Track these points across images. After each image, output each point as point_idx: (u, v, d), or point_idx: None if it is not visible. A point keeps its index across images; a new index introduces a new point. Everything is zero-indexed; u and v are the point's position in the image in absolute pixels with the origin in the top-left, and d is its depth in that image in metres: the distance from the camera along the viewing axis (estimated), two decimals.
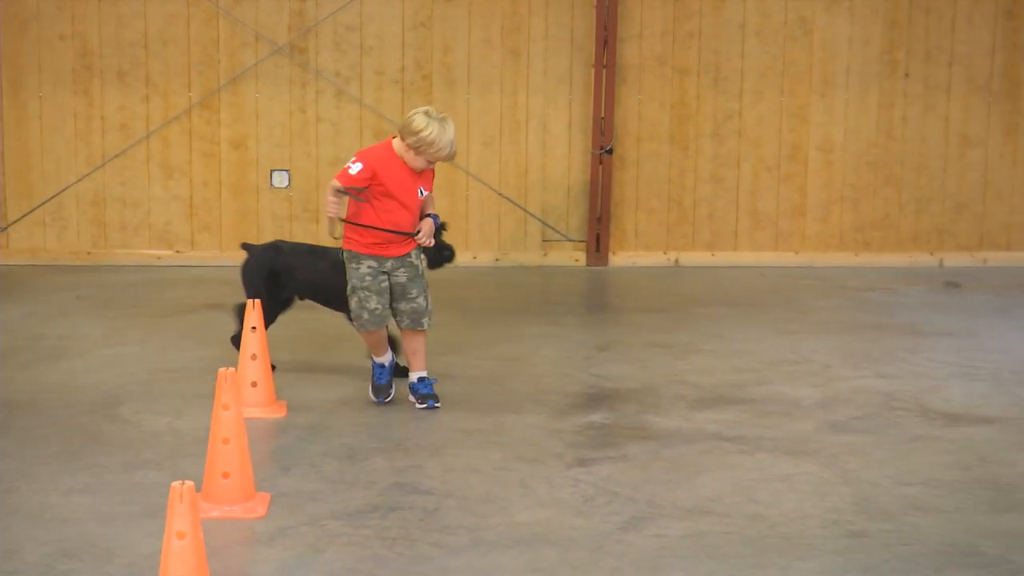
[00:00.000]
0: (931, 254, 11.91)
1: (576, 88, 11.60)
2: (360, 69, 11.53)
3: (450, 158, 7.05)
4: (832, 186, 11.79)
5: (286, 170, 11.52)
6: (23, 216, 11.42)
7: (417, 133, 6.81)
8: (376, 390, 7.32)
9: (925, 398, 7.52)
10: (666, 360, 8.39)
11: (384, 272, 7.05)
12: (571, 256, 11.68)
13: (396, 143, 6.96)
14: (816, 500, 5.86)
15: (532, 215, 11.65)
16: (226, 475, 5.58)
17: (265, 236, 11.46)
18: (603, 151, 11.50)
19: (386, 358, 7.31)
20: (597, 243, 11.60)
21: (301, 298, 7.91)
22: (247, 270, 7.88)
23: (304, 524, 5.49)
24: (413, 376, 7.27)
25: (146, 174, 11.49)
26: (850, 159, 11.78)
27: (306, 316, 9.44)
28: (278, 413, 7.05)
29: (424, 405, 7.19)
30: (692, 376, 7.99)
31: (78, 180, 11.40)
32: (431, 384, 7.27)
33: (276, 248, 7.99)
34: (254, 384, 6.97)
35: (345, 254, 7.12)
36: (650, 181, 11.67)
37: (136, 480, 6.01)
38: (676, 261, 11.70)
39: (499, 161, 11.63)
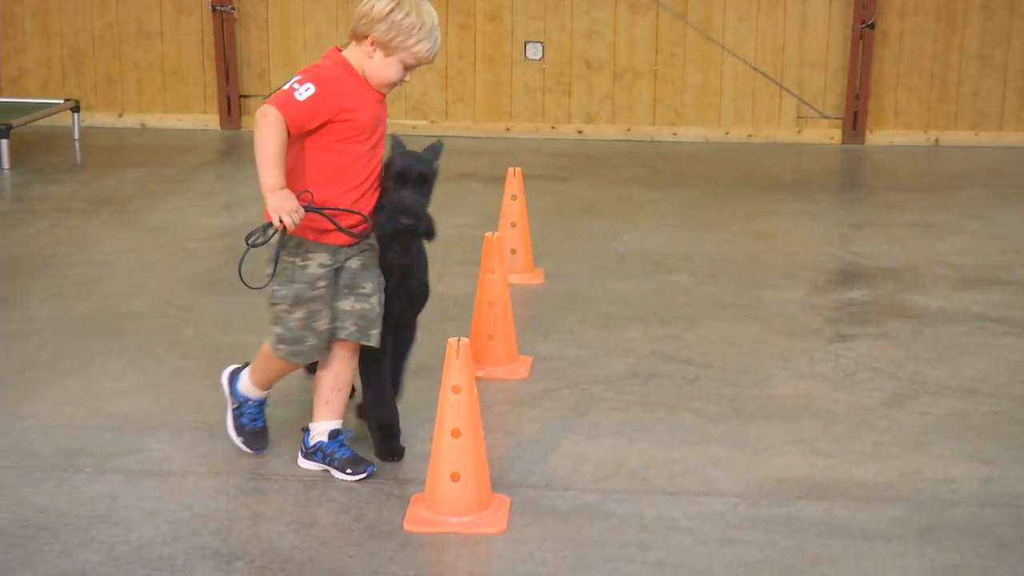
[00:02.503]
0: None
1: None
2: None
3: (431, 59, 4.54)
4: None
5: (540, 42, 11.53)
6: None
7: (386, 16, 4.43)
8: (249, 435, 4.87)
9: None
10: (926, 240, 8.17)
11: (337, 268, 4.62)
12: (826, 134, 11.42)
13: (350, 53, 4.56)
14: None
15: (788, 91, 11.41)
16: (491, 337, 5.70)
17: (518, 109, 11.54)
18: (864, 25, 11.14)
19: (267, 393, 4.91)
20: (854, 121, 11.30)
21: None
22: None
23: (565, 387, 5.58)
24: (321, 428, 4.72)
25: None
26: None
27: (560, 187, 9.51)
28: (536, 280, 7.14)
29: (360, 476, 4.65)
30: (954, 256, 7.77)
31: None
32: (342, 441, 4.72)
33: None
34: (513, 251, 7.07)
35: (279, 244, 4.52)
36: (912, 57, 11.27)
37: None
38: (936, 141, 11.32)
39: (755, 36, 11.39)
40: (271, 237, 4.47)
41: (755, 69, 11.40)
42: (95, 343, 6.13)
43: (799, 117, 11.44)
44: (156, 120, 11.79)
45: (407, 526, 4.31)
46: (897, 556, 4.17)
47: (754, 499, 4.55)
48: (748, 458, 4.90)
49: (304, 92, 4.36)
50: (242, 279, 4.47)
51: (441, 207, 8.90)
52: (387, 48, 4.47)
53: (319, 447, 4.70)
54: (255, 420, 4.85)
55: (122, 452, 4.91)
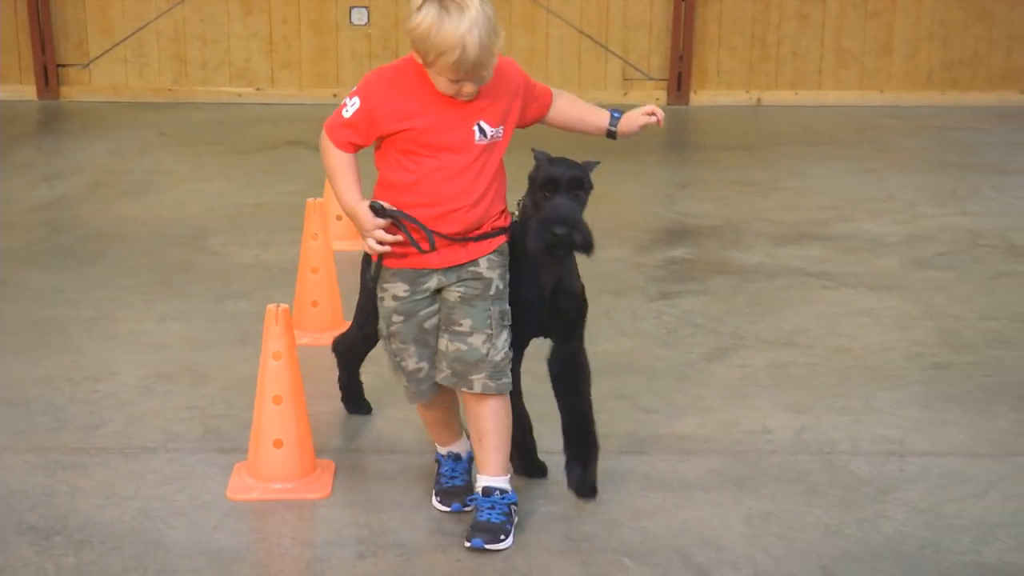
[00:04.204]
0: (1022, 93, 11.65)
1: None
2: None
3: (477, 67, 3.72)
4: (921, 23, 11.51)
5: (365, 7, 11.44)
6: (104, 53, 11.45)
7: (412, 30, 3.73)
8: (443, 494, 4.28)
9: (1011, 235, 7.43)
10: (748, 197, 8.35)
11: (427, 297, 4.01)
12: (652, 95, 11.56)
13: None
14: (900, 333, 5.87)
15: (613, 53, 11.52)
16: (315, 303, 5.67)
17: (344, 75, 11.44)
18: None
19: (459, 445, 4.35)
20: (679, 82, 11.46)
21: None
22: None
23: None
24: (480, 482, 4.12)
25: (225, 10, 11.45)
26: None
27: None
28: (363, 245, 7.11)
29: (496, 545, 3.99)
30: (774, 213, 7.95)
31: (158, 16, 11.40)
32: (507, 503, 4.07)
33: None
34: (339, 217, 7.03)
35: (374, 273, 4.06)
36: (733, 18, 11.45)
37: (227, 309, 6.13)
38: (758, 100, 11.54)
39: None
40: (377, 269, 4.00)
41: (581, 32, 11.48)
42: None
43: (625, 79, 11.57)
44: None
45: (230, 494, 4.28)
46: (715, 505, 4.28)
47: None
48: None
49: (351, 107, 3.86)
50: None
51: (267, 175, 8.88)
52: (424, 61, 3.78)
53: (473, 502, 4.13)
54: (447, 479, 4.27)
55: None
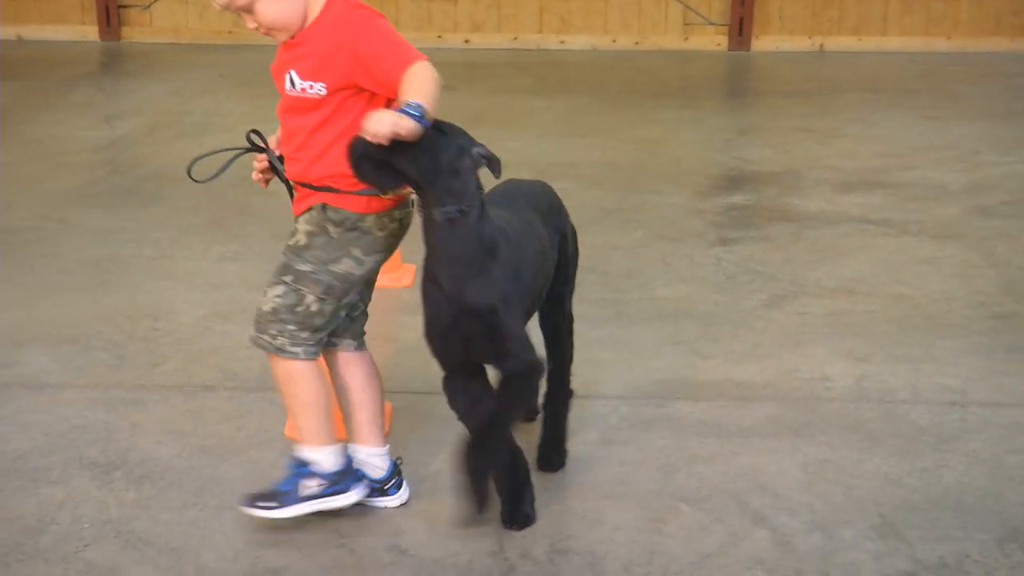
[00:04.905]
0: None
1: None
2: None
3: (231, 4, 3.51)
4: None
5: None
6: None
7: None
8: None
9: None
10: (808, 144, 8.25)
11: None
12: (712, 40, 11.44)
13: None
14: (962, 282, 5.80)
15: None
16: None
17: (404, 17, 11.39)
18: None
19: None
20: (740, 27, 11.33)
21: None
22: None
23: None
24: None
25: None
26: None
27: (446, 97, 9.45)
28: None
29: (257, 511, 3.76)
30: (835, 160, 7.86)
31: None
32: (299, 474, 3.80)
33: None
34: None
35: None
36: None
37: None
38: (821, 46, 11.40)
39: None
40: None
41: None
42: None
43: (685, 24, 11.45)
44: (33, 32, 11.48)
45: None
46: (772, 452, 4.25)
47: (634, 400, 4.61)
48: (628, 360, 4.95)
49: None
50: None
51: None
52: None
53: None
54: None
55: None
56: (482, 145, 3.50)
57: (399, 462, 3.96)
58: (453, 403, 3.74)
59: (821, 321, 5.37)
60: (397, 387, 4.63)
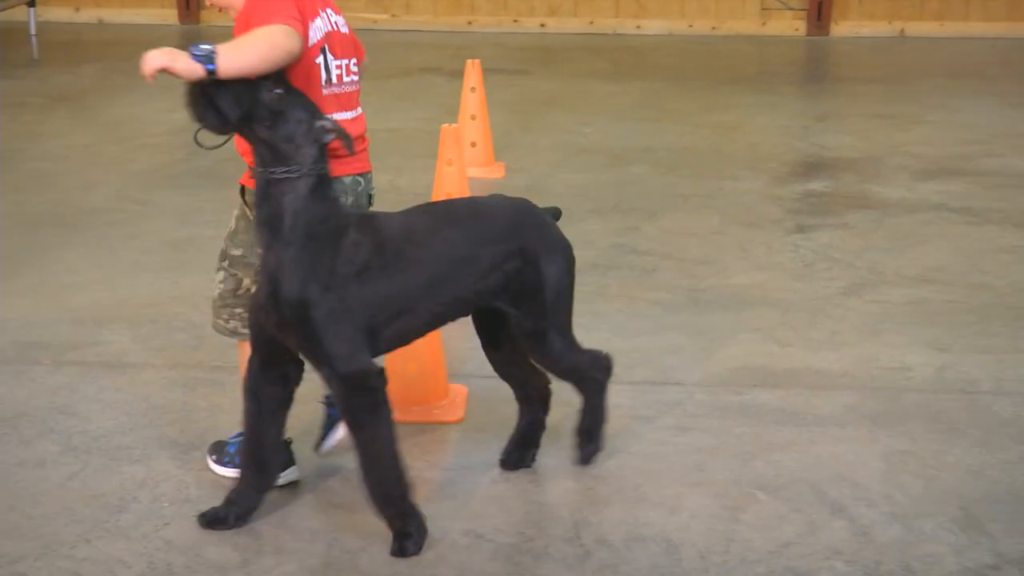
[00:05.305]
0: None
1: None
2: None
3: None
4: None
5: None
6: None
7: None
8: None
9: None
10: (888, 131, 8.16)
11: None
12: (791, 25, 11.34)
13: None
14: None
15: None
16: None
17: (480, 1, 11.38)
18: None
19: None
20: (819, 12, 11.22)
21: None
22: None
23: None
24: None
25: None
26: None
27: (522, 81, 9.44)
28: (496, 174, 7.11)
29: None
30: (915, 147, 7.77)
31: None
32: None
33: None
34: (473, 144, 7.03)
35: None
36: None
37: None
38: (901, 31, 11.26)
39: None
40: None
41: None
42: (52, 237, 6.08)
43: (763, 9, 11.36)
44: (113, 15, 11.61)
45: None
46: (850, 441, 4.21)
47: (710, 387, 4.58)
48: (705, 347, 4.92)
49: None
50: None
51: (402, 101, 8.88)
52: None
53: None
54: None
55: (79, 345, 4.89)
56: (330, 119, 3.37)
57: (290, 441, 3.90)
58: (244, 391, 3.62)
59: (900, 310, 5.31)
60: (473, 371, 4.63)
